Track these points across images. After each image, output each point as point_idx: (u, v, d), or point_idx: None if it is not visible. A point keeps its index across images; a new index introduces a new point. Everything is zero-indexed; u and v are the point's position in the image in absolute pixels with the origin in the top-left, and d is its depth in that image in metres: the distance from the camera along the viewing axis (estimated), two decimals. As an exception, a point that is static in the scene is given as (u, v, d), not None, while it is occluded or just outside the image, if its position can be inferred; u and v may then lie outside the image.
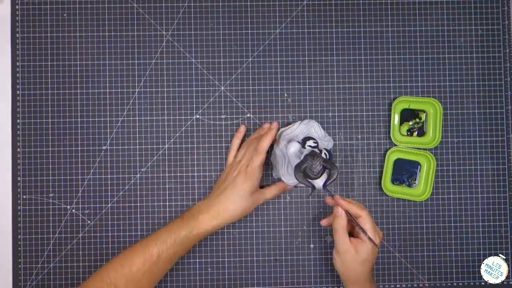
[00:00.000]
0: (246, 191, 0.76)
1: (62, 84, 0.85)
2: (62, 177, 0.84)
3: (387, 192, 0.84)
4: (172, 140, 0.85)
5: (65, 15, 0.85)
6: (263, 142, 0.76)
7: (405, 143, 0.84)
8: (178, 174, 0.84)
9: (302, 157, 0.73)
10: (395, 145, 0.85)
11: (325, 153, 0.76)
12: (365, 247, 0.73)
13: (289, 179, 0.79)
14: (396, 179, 0.85)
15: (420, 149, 0.84)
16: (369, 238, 0.72)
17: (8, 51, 0.85)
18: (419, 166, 0.85)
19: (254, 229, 0.85)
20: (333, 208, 0.75)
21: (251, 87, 0.86)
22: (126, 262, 0.72)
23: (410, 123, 0.85)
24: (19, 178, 0.83)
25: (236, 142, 0.83)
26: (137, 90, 0.85)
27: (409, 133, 0.85)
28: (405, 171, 0.85)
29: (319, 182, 0.73)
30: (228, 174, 0.78)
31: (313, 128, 0.80)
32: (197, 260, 0.84)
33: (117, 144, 0.84)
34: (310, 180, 0.73)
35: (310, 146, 0.76)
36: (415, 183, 0.85)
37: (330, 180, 0.72)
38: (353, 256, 0.73)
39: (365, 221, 0.73)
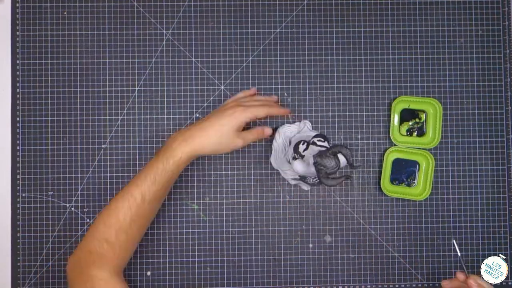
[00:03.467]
0: (229, 125, 0.73)
1: (62, 83, 0.85)
2: (61, 175, 0.84)
3: (386, 192, 0.84)
4: (171, 139, 0.85)
5: (65, 14, 0.85)
6: (273, 109, 0.77)
7: (404, 143, 0.84)
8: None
9: (312, 165, 0.72)
10: (395, 145, 0.85)
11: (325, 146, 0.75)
12: None
13: (288, 173, 0.79)
14: (395, 179, 0.85)
15: (418, 148, 0.84)
16: None
17: (8, 50, 0.85)
18: (418, 166, 0.85)
19: (253, 229, 0.85)
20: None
21: (251, 87, 0.86)
22: (112, 212, 0.71)
23: (410, 123, 0.85)
24: (18, 176, 0.83)
25: (240, 95, 0.82)
26: (137, 88, 0.85)
27: (408, 133, 0.85)
28: (404, 171, 0.85)
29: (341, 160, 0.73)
30: (221, 108, 0.76)
31: (306, 127, 0.80)
32: (196, 259, 0.84)
33: (117, 143, 0.84)
34: (336, 170, 0.72)
35: (316, 145, 0.75)
36: (414, 183, 0.85)
37: (350, 158, 0.71)
38: None
39: None
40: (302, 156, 0.74)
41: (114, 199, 0.73)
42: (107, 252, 0.71)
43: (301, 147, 0.75)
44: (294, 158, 0.75)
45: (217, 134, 0.73)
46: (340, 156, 0.71)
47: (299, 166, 0.74)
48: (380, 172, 0.85)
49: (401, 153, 0.85)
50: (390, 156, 0.85)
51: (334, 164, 0.70)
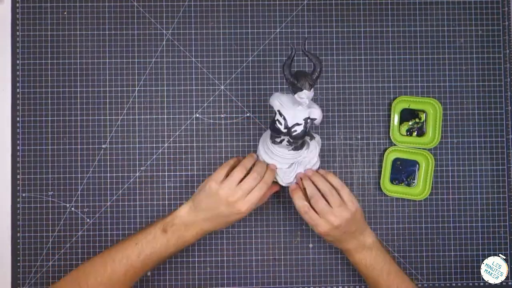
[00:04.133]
0: (239, 218, 0.74)
1: (62, 83, 0.85)
2: (61, 176, 0.84)
3: (386, 192, 0.84)
4: (171, 139, 0.85)
5: (65, 14, 0.85)
6: (269, 176, 0.74)
7: (404, 143, 0.84)
8: (178, 173, 0.84)
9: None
10: (394, 144, 0.85)
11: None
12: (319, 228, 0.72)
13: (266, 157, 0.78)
14: (395, 179, 0.85)
15: (418, 148, 0.84)
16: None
17: (8, 50, 0.85)
18: (417, 165, 0.85)
19: (253, 229, 0.85)
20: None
21: (251, 87, 0.86)
22: (106, 272, 0.71)
23: (410, 123, 0.85)
24: (18, 176, 0.83)
25: (232, 161, 0.77)
26: (137, 88, 0.85)
27: (408, 133, 0.85)
28: (404, 171, 0.85)
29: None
30: (218, 196, 0.72)
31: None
32: (196, 259, 0.84)
33: (117, 143, 0.84)
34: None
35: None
36: (414, 182, 0.85)
37: (315, 74, 0.68)
38: (324, 235, 0.74)
39: (316, 204, 0.73)
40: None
41: (112, 258, 0.72)
42: None
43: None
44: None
45: (225, 220, 0.73)
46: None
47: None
48: (380, 172, 0.85)
49: (401, 153, 0.85)
50: (390, 156, 0.85)
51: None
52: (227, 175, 0.74)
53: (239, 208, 0.71)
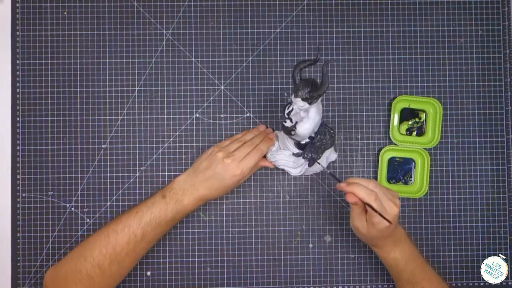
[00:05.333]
0: (233, 183, 0.76)
1: (62, 83, 0.85)
2: (61, 176, 0.84)
3: None
4: (171, 139, 0.85)
5: (65, 14, 0.85)
6: (263, 144, 0.77)
7: (404, 142, 0.84)
8: (178, 173, 0.84)
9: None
10: (395, 144, 0.85)
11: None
12: (375, 229, 0.71)
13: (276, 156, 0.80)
14: (392, 178, 0.85)
15: (413, 146, 0.84)
16: (381, 216, 0.70)
17: (8, 50, 0.85)
18: (413, 163, 0.85)
19: (253, 229, 0.85)
20: (346, 196, 0.73)
21: (251, 87, 0.86)
22: (110, 242, 0.73)
23: (410, 122, 0.85)
24: (18, 176, 0.83)
25: (240, 135, 0.82)
26: (137, 88, 0.85)
27: (408, 132, 0.85)
28: (400, 169, 0.85)
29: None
30: (216, 158, 0.76)
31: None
32: (196, 259, 0.84)
33: (117, 143, 0.84)
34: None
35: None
36: (411, 180, 0.85)
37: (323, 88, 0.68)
38: (365, 231, 0.72)
39: (376, 203, 0.71)
40: (290, 119, 0.73)
41: (114, 230, 0.74)
42: (96, 277, 0.72)
43: (287, 110, 0.73)
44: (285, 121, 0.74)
45: (220, 184, 0.76)
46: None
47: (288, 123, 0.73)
48: (376, 172, 0.85)
49: (396, 152, 0.85)
50: (385, 155, 0.85)
51: (306, 91, 0.69)
52: None
53: (233, 170, 0.74)
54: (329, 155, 0.82)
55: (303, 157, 0.77)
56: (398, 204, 0.71)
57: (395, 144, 0.85)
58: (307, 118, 0.71)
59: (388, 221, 0.69)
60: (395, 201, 0.70)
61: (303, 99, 0.68)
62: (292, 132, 0.72)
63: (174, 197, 0.75)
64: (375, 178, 0.85)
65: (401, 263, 0.75)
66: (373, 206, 0.69)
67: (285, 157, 0.80)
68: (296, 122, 0.71)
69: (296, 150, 0.79)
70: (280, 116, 0.76)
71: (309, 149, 0.76)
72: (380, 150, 0.85)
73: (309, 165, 0.80)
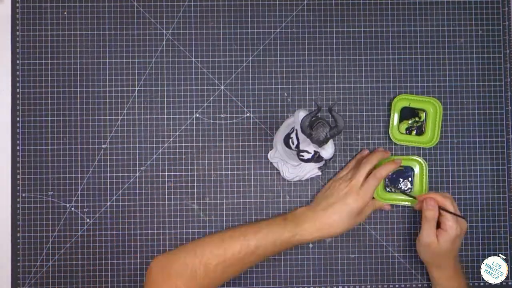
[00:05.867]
0: (355, 210, 0.76)
1: (62, 83, 0.85)
2: (61, 175, 0.84)
3: (382, 201, 0.84)
4: (171, 139, 0.85)
5: (65, 13, 0.85)
6: (383, 169, 0.77)
7: (403, 141, 0.84)
8: (178, 173, 0.84)
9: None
10: (395, 144, 0.85)
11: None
12: (447, 238, 0.74)
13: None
14: (391, 187, 0.85)
15: (408, 154, 0.85)
16: (456, 214, 0.74)
17: (8, 50, 0.85)
18: (411, 172, 0.84)
19: (253, 229, 0.85)
20: (425, 202, 0.77)
21: (251, 87, 0.86)
22: (223, 245, 0.74)
23: (409, 121, 0.85)
24: (18, 176, 0.83)
25: (353, 162, 0.83)
26: (137, 88, 0.85)
27: (408, 131, 0.85)
28: (400, 178, 0.85)
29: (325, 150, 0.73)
30: (336, 188, 0.78)
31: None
32: (196, 259, 0.84)
33: (117, 143, 0.84)
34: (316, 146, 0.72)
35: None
36: (411, 189, 0.84)
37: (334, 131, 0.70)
38: (436, 246, 0.75)
39: (450, 207, 0.76)
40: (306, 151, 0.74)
41: (230, 235, 0.75)
42: (199, 274, 0.73)
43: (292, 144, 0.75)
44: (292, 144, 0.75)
45: (344, 208, 0.76)
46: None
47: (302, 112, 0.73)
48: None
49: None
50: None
51: (324, 134, 0.70)
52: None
53: (350, 201, 0.75)
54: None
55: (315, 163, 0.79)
56: (463, 228, 0.76)
57: (396, 144, 0.85)
58: (327, 144, 0.73)
59: (463, 217, 0.74)
60: (462, 225, 0.76)
61: (327, 139, 0.69)
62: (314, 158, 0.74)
63: (294, 220, 0.76)
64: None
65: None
66: (451, 211, 0.74)
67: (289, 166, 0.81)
68: (316, 152, 0.72)
69: (299, 162, 0.79)
70: (288, 133, 0.76)
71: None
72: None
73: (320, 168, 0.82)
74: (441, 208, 0.76)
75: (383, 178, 0.77)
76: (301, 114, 0.70)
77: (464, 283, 0.78)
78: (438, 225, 0.77)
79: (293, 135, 0.73)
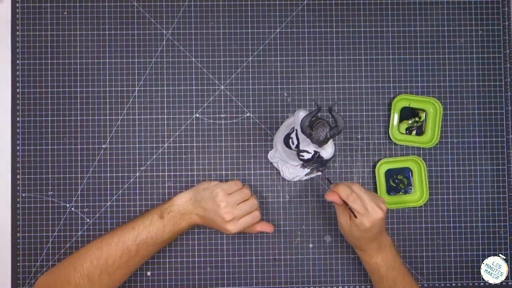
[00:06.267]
0: (224, 231, 0.77)
1: (62, 83, 0.85)
2: (61, 175, 0.84)
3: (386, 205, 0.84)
4: (171, 139, 0.85)
5: (65, 13, 0.85)
6: (257, 214, 0.78)
7: (403, 141, 0.84)
8: (178, 173, 0.84)
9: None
10: (395, 144, 0.85)
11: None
12: (357, 228, 0.73)
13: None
14: (392, 189, 0.85)
15: (408, 154, 0.85)
16: (352, 211, 0.73)
17: (8, 50, 0.85)
18: (410, 172, 0.85)
19: (253, 229, 0.85)
20: (330, 195, 0.75)
21: (251, 87, 0.86)
22: (103, 255, 0.73)
23: (410, 121, 0.85)
24: (18, 176, 0.83)
25: (241, 184, 0.80)
26: (137, 88, 0.85)
27: (408, 131, 0.85)
28: (398, 180, 0.85)
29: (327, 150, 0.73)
30: (218, 204, 0.75)
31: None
32: (196, 259, 0.84)
33: (117, 143, 0.84)
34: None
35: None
36: (411, 188, 0.85)
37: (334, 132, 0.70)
38: (349, 230, 0.74)
39: (355, 203, 0.72)
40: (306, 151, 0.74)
41: (108, 242, 0.74)
42: (85, 287, 0.73)
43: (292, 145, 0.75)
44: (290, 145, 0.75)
45: (214, 225, 0.77)
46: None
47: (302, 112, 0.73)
48: (374, 184, 0.85)
49: (391, 163, 0.85)
50: (382, 169, 0.85)
51: (324, 134, 0.70)
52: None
53: (229, 227, 0.75)
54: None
55: (312, 169, 0.79)
56: (384, 209, 0.72)
57: (396, 144, 0.85)
58: (327, 144, 0.73)
59: (354, 215, 0.72)
60: (381, 206, 0.72)
61: (327, 139, 0.70)
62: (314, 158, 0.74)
63: (172, 219, 0.76)
64: (374, 182, 0.85)
65: (382, 269, 0.75)
66: (350, 205, 0.71)
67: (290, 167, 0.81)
68: (316, 152, 0.72)
69: (299, 163, 0.79)
70: (288, 133, 0.75)
71: (316, 162, 0.76)
72: (375, 163, 0.85)
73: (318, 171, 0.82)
74: (345, 204, 0.74)
75: (258, 219, 0.78)
76: (301, 114, 0.70)
77: (388, 261, 0.76)
78: None
79: (293, 135, 0.73)
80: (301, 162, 0.78)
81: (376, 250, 0.75)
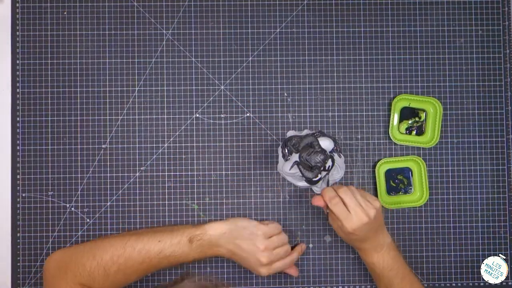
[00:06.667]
0: (252, 271, 0.78)
1: (62, 83, 0.85)
2: (61, 176, 0.84)
3: (386, 205, 0.84)
4: (171, 139, 0.85)
5: (65, 14, 0.85)
6: (296, 255, 0.80)
7: (403, 141, 0.84)
8: (178, 173, 0.84)
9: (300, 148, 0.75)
10: (395, 144, 0.85)
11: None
12: (340, 230, 0.74)
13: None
14: (392, 189, 0.85)
15: (408, 154, 0.85)
16: (327, 217, 0.77)
17: (8, 50, 0.85)
18: (410, 172, 0.85)
19: (253, 229, 0.85)
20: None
21: (251, 87, 0.86)
22: (124, 255, 0.74)
23: (409, 121, 0.85)
24: (18, 176, 0.83)
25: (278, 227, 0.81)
26: (137, 88, 0.85)
27: (407, 131, 0.85)
28: (398, 180, 0.85)
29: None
30: (257, 246, 0.76)
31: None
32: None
33: (117, 143, 0.84)
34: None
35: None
36: (411, 188, 0.85)
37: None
38: (342, 233, 0.75)
39: (335, 207, 0.73)
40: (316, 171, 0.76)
41: (132, 246, 0.75)
42: (98, 277, 0.73)
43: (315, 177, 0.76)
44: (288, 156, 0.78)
45: (243, 263, 0.78)
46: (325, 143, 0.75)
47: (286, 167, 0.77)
48: (374, 184, 0.85)
49: (391, 163, 0.85)
50: (382, 169, 0.84)
51: (320, 159, 0.73)
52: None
53: (262, 270, 0.77)
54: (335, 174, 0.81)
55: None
56: (370, 215, 0.72)
57: (395, 144, 0.85)
58: (337, 167, 0.76)
59: (328, 221, 0.76)
60: (369, 211, 0.72)
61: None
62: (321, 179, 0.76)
63: (200, 247, 0.76)
64: (374, 182, 0.85)
65: (378, 268, 0.76)
66: (330, 209, 0.73)
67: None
68: (327, 172, 0.74)
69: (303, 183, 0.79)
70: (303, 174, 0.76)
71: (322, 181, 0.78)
72: (375, 163, 0.85)
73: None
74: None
75: (292, 263, 0.80)
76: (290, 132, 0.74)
77: (386, 260, 0.76)
78: None
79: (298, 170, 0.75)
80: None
81: (372, 251, 0.76)
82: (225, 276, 0.84)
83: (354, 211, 0.72)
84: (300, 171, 0.74)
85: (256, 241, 0.76)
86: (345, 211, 0.72)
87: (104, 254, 0.73)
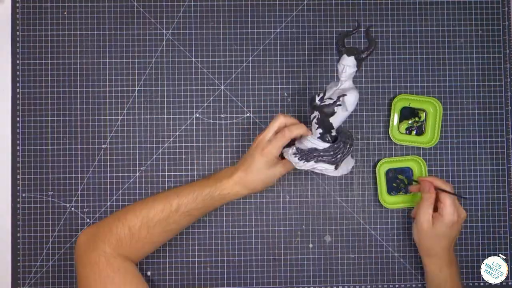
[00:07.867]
0: (261, 165, 0.75)
1: (62, 83, 0.85)
2: (61, 175, 0.84)
3: (386, 205, 0.84)
4: (171, 139, 0.85)
5: (65, 14, 0.85)
6: (292, 130, 0.74)
7: (403, 141, 0.84)
8: (178, 173, 0.84)
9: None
10: (395, 144, 0.85)
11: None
12: (442, 223, 0.75)
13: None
14: (392, 189, 0.85)
15: (408, 154, 0.85)
16: (456, 194, 0.77)
17: (8, 50, 0.85)
18: (411, 172, 0.85)
19: (253, 229, 0.85)
20: (422, 184, 0.79)
21: (251, 87, 0.86)
22: (146, 207, 0.75)
23: (409, 121, 0.85)
24: (18, 176, 0.83)
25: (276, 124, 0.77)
26: (137, 88, 0.85)
27: (407, 131, 0.85)
28: (399, 179, 0.85)
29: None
30: (253, 145, 0.77)
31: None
32: (196, 259, 0.84)
33: (117, 143, 0.84)
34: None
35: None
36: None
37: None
38: (429, 228, 0.76)
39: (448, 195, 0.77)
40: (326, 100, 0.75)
41: (153, 197, 0.76)
42: (125, 238, 0.73)
43: (318, 97, 0.75)
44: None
45: (254, 179, 0.76)
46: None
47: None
48: (375, 184, 0.85)
49: (392, 163, 0.85)
50: (382, 169, 0.84)
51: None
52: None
53: (260, 150, 0.74)
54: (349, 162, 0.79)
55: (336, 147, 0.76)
56: (461, 215, 0.77)
57: (396, 144, 0.85)
58: (352, 90, 0.73)
59: (462, 197, 0.80)
60: (460, 212, 0.76)
61: (355, 57, 0.71)
62: (336, 109, 0.73)
63: (215, 177, 0.77)
64: (374, 182, 0.85)
65: (448, 284, 0.77)
66: (449, 191, 0.75)
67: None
68: (338, 98, 0.72)
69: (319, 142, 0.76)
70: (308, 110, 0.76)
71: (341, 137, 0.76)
72: (375, 163, 0.85)
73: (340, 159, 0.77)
74: (439, 189, 0.77)
75: (291, 138, 0.74)
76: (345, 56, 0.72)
77: (455, 279, 0.77)
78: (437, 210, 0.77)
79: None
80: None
81: (448, 262, 0.77)
82: (225, 276, 0.84)
83: (457, 202, 0.76)
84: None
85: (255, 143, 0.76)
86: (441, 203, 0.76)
87: (126, 213, 0.75)
